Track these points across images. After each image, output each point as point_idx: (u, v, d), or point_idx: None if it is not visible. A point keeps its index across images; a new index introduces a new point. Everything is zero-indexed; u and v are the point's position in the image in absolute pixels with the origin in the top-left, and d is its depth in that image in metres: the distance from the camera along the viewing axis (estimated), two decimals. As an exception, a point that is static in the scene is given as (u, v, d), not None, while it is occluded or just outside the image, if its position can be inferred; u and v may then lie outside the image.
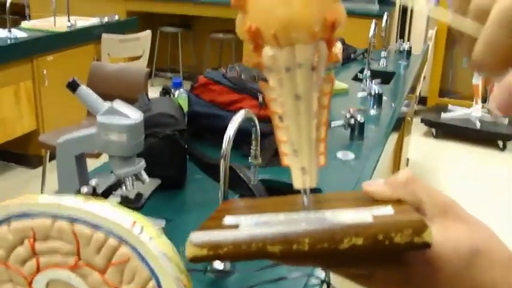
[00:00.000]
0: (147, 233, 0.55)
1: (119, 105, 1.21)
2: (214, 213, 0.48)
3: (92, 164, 1.69)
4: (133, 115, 1.21)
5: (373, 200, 0.46)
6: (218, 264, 1.19)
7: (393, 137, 2.50)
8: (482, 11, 0.36)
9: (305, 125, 0.45)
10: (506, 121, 4.79)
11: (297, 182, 0.46)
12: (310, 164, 0.46)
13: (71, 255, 0.58)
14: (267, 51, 0.44)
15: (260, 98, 1.80)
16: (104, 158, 1.51)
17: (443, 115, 5.04)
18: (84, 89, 1.23)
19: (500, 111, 0.36)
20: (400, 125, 2.82)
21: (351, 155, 1.90)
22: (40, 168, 3.64)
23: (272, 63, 0.44)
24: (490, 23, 0.35)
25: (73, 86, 1.23)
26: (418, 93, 5.32)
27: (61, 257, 0.59)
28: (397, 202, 0.45)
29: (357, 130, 2.05)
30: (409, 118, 3.36)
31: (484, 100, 4.88)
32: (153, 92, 2.88)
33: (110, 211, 0.57)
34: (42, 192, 3.38)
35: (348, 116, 2.06)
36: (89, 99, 1.23)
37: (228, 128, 1.16)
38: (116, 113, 1.20)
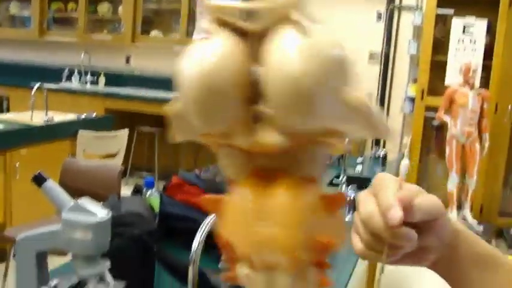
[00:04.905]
0: None
1: (85, 202, 1.16)
2: None
3: (55, 261, 1.61)
4: (100, 213, 1.16)
5: None
6: None
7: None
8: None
9: None
10: (481, 228, 4.79)
11: None
12: None
13: None
14: (241, 268, 0.37)
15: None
16: (69, 255, 1.44)
17: (418, 223, 5.03)
18: (50, 184, 1.19)
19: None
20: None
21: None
22: (4, 264, 3.49)
23: (248, 283, 0.37)
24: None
25: (39, 180, 1.18)
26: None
27: None
28: None
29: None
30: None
31: (459, 207, 4.89)
32: (127, 191, 2.82)
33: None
34: (2, 291, 3.22)
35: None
36: (55, 194, 1.18)
37: (198, 232, 1.12)
38: (82, 210, 1.15)
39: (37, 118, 4.27)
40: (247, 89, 0.35)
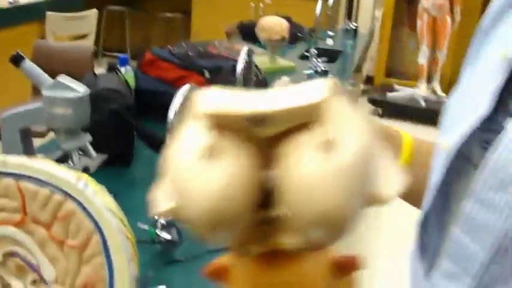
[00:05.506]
0: (91, 188, 0.58)
1: (64, 79, 1.21)
2: None
3: (38, 142, 1.68)
4: (79, 89, 1.21)
5: None
6: (165, 235, 1.21)
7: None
8: None
9: None
10: (448, 100, 4.92)
11: None
12: None
13: (16, 211, 0.60)
14: None
15: (206, 74, 1.81)
16: (51, 136, 1.51)
17: (389, 94, 5.15)
18: (28, 63, 1.23)
19: None
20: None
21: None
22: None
23: None
24: None
25: (17, 60, 1.22)
26: (365, 74, 5.41)
27: (7, 214, 0.60)
28: None
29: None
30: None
31: (429, 80, 5.01)
32: (101, 71, 2.84)
33: (54, 168, 0.59)
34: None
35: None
36: (34, 73, 1.22)
37: (172, 102, 1.18)
38: (62, 86, 1.20)
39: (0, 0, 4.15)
40: (258, 197, 0.31)
